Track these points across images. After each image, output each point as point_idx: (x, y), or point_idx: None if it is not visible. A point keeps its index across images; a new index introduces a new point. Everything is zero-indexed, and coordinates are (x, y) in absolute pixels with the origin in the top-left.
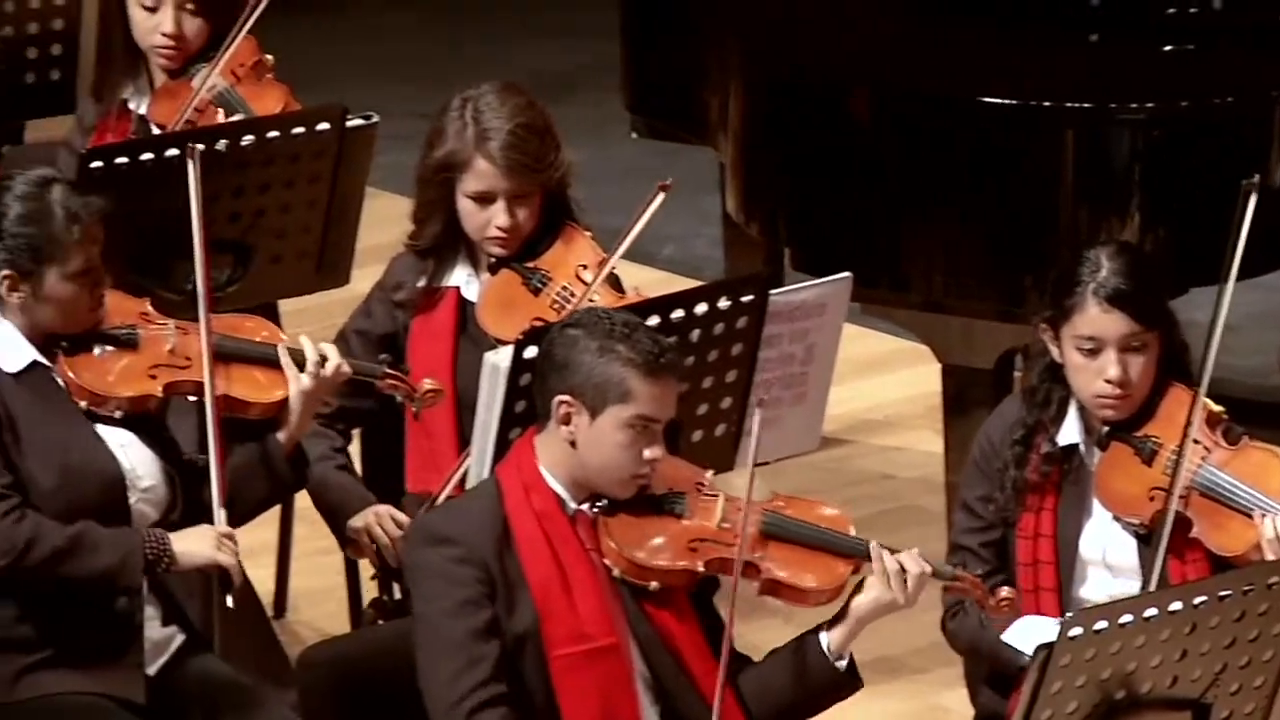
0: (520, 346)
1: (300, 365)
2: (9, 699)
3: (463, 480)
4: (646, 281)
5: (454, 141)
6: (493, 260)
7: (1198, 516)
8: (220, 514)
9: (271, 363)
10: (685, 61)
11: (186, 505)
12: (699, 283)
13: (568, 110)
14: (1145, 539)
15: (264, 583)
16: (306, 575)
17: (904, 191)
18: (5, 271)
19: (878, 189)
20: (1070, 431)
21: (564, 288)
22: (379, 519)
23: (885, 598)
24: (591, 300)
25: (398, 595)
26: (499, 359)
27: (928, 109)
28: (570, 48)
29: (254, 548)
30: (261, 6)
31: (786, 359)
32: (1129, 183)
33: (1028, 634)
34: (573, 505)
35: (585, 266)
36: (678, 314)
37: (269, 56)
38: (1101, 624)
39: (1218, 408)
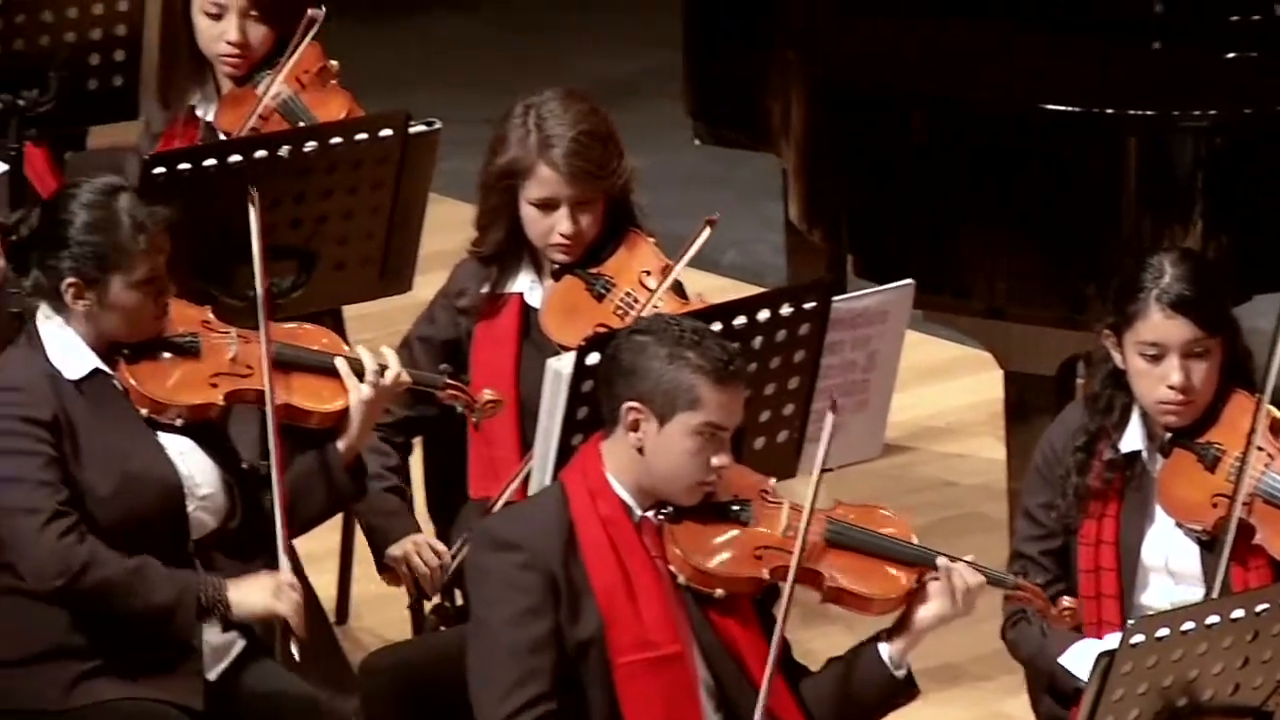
0: (583, 353)
1: (359, 375)
2: (65, 706)
3: (524, 485)
4: (709, 288)
5: (517, 148)
6: (556, 266)
7: (1261, 523)
8: (284, 561)
9: (331, 372)
10: (747, 68)
11: (245, 513)
12: (762, 289)
13: (631, 116)
14: (1208, 545)
15: (326, 589)
16: (369, 581)
17: (967, 198)
18: (70, 279)
19: (940, 196)
20: (1133, 438)
21: (627, 293)
22: (418, 548)
23: (947, 608)
24: (655, 306)
25: (459, 601)
26: (561, 365)
27: (990, 116)
28: (633, 54)
29: (317, 554)
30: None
31: (849, 366)
32: (1192, 190)
33: (1086, 659)
34: (638, 511)
35: (649, 272)
36: (740, 320)
37: (333, 63)
38: (1164, 631)
39: None
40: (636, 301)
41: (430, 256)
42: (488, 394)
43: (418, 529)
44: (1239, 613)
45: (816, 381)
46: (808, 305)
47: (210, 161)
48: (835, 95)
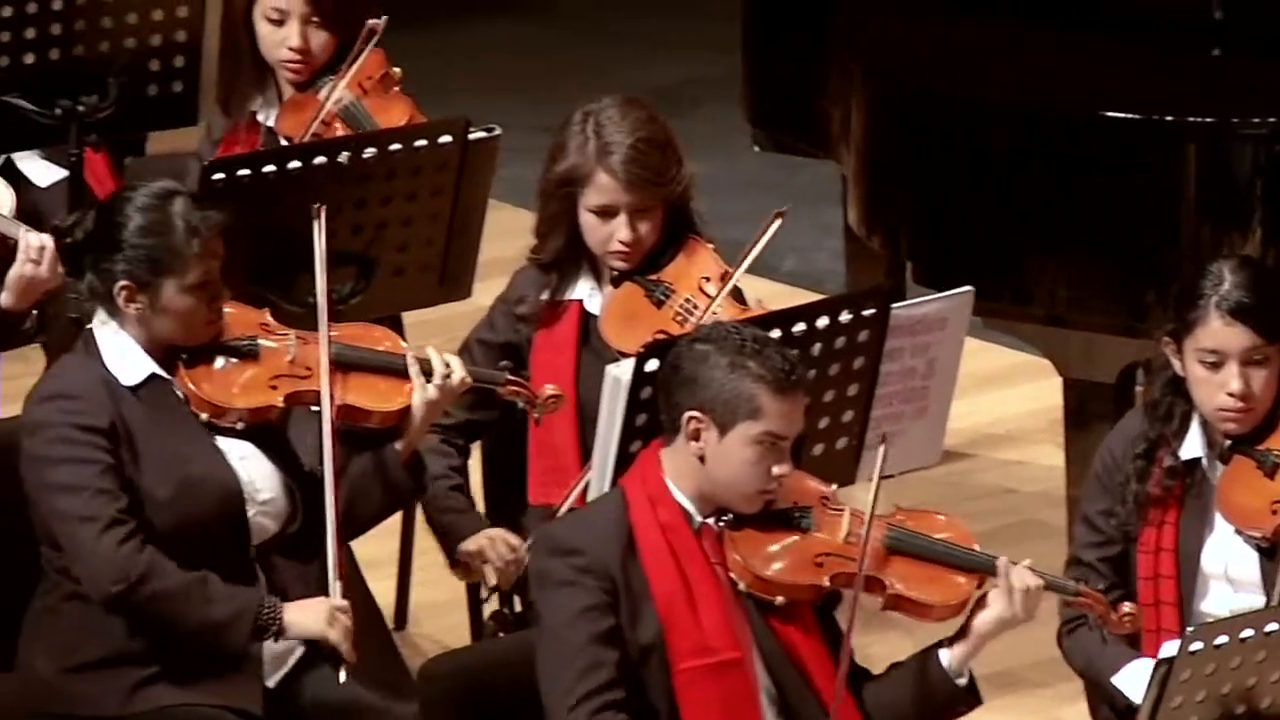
0: (641, 360)
1: (428, 375)
2: (124, 712)
3: (584, 493)
4: (768, 294)
5: (575, 156)
6: (615, 273)
7: None
8: (336, 586)
9: (393, 371)
10: (807, 74)
11: (306, 517)
12: (821, 296)
13: (690, 123)
14: (1267, 553)
15: (385, 595)
16: (428, 587)
17: (1026, 206)
18: (123, 282)
19: (1000, 203)
20: (1193, 445)
21: (687, 300)
22: (492, 542)
23: (1008, 614)
24: (714, 313)
25: (519, 608)
26: (620, 372)
27: (1049, 123)
28: (692, 60)
29: (376, 559)
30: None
31: (908, 373)
32: (1251, 197)
33: (1140, 680)
34: (698, 519)
35: (708, 279)
36: (799, 327)
37: (396, 69)
38: (1222, 639)
39: None
40: (696, 308)
41: (489, 263)
42: (549, 389)
43: (489, 524)
44: None
45: (876, 388)
46: (867, 312)
47: (270, 168)
48: (894, 102)
